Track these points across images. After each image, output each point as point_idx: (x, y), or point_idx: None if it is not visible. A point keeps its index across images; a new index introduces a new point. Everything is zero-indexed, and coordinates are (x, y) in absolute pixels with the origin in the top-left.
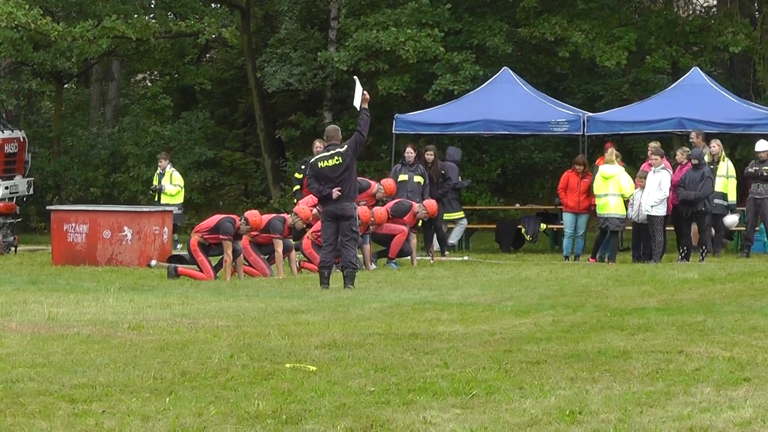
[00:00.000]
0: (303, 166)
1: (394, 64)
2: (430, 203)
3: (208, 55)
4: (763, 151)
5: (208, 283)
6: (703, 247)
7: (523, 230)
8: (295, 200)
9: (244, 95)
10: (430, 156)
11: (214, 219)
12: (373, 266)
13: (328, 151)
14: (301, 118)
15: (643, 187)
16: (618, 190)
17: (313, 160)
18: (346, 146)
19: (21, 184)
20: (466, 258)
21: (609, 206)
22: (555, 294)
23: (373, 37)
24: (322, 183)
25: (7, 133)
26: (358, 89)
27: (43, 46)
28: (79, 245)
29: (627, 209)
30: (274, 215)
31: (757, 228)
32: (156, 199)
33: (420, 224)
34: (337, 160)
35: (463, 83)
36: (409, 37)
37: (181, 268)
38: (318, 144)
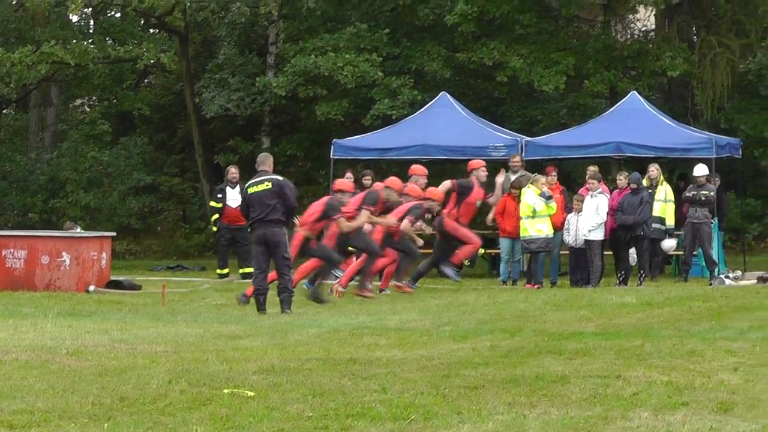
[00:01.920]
0: (219, 195)
1: (332, 89)
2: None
3: (146, 81)
4: (701, 176)
5: (146, 308)
6: (642, 272)
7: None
8: (215, 228)
9: (182, 120)
10: (367, 181)
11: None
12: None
13: (259, 177)
14: (239, 144)
15: (579, 211)
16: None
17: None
18: (282, 179)
19: None
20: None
21: (529, 229)
22: (493, 319)
23: (312, 62)
24: (252, 209)
25: None
26: None
27: None
28: (17, 270)
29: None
30: None
31: (695, 252)
32: None
33: None
34: (266, 185)
35: (402, 108)
36: (347, 62)
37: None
38: (233, 170)
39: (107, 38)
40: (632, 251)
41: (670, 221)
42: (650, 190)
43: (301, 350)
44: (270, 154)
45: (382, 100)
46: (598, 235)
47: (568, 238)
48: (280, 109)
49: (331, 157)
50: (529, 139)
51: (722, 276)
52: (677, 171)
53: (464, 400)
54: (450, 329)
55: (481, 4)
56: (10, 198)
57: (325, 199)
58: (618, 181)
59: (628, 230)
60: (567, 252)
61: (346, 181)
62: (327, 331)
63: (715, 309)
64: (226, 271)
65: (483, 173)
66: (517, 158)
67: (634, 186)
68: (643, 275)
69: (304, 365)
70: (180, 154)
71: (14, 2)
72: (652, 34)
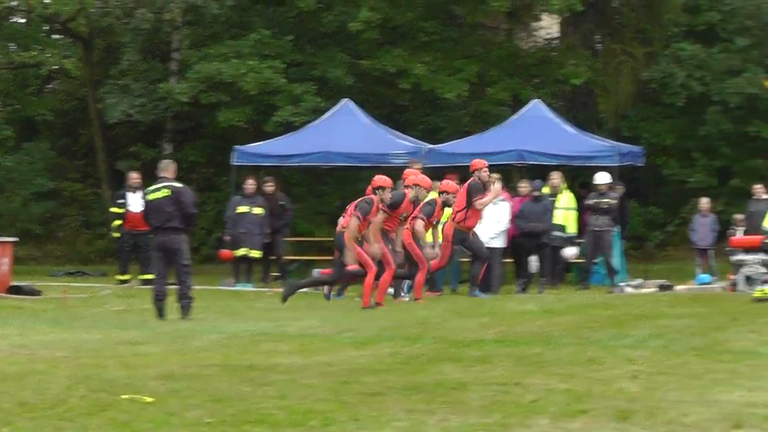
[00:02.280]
0: (120, 200)
1: (235, 96)
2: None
3: (50, 86)
4: (603, 184)
5: (46, 314)
6: (543, 279)
7: None
8: (116, 234)
9: (85, 126)
10: (269, 187)
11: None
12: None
13: (158, 183)
14: (141, 150)
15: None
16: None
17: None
18: (181, 185)
19: None
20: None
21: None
22: (394, 326)
23: (215, 68)
24: (150, 216)
25: None
26: None
27: None
28: None
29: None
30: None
31: (596, 260)
32: None
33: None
34: (165, 193)
35: (304, 115)
36: (250, 68)
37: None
38: (134, 176)
39: (10, 44)
40: (532, 258)
41: (572, 229)
42: (552, 198)
43: (201, 356)
44: (173, 161)
45: (285, 107)
46: (500, 243)
47: None
48: (183, 115)
49: (233, 163)
50: (431, 146)
51: (623, 284)
52: (579, 179)
53: (363, 407)
54: (351, 336)
55: (385, 11)
56: None
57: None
58: (520, 189)
59: (531, 238)
60: (467, 259)
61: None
62: (227, 338)
63: (616, 317)
64: (126, 276)
65: (485, 174)
66: (418, 165)
67: (536, 194)
68: (545, 283)
69: (203, 371)
70: (83, 159)
71: None
72: (556, 41)
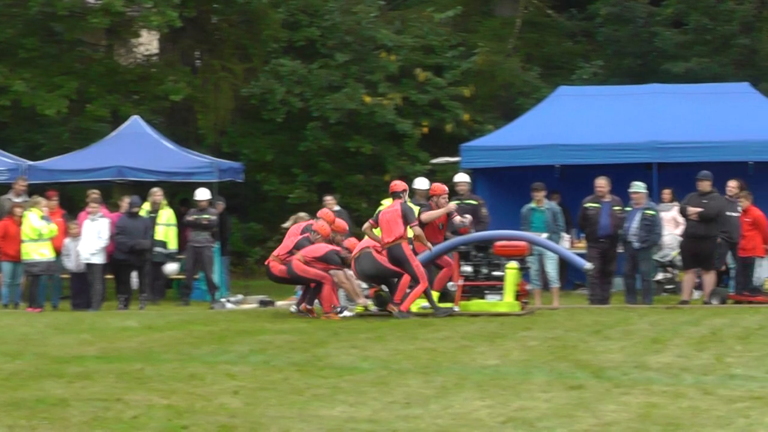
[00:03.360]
0: None
1: None
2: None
3: None
4: (203, 200)
5: None
6: (143, 295)
7: None
8: None
9: None
10: None
11: (320, 249)
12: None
13: None
14: None
15: (76, 236)
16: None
17: None
18: None
19: None
20: None
21: (32, 253)
22: None
23: None
24: None
25: None
26: None
27: None
28: None
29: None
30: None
31: (196, 276)
32: None
33: None
34: None
35: None
36: None
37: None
38: None
39: None
40: (133, 274)
41: (173, 245)
42: (153, 214)
43: None
44: None
45: None
46: (100, 259)
47: (69, 263)
48: None
49: None
50: (31, 163)
51: (224, 300)
52: (179, 195)
53: None
54: None
55: None
56: None
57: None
58: (120, 205)
59: (133, 254)
60: (68, 276)
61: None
62: None
63: (217, 333)
64: None
65: (443, 200)
66: (22, 183)
67: (134, 209)
68: (145, 298)
69: None
70: None
71: None
72: (156, 58)
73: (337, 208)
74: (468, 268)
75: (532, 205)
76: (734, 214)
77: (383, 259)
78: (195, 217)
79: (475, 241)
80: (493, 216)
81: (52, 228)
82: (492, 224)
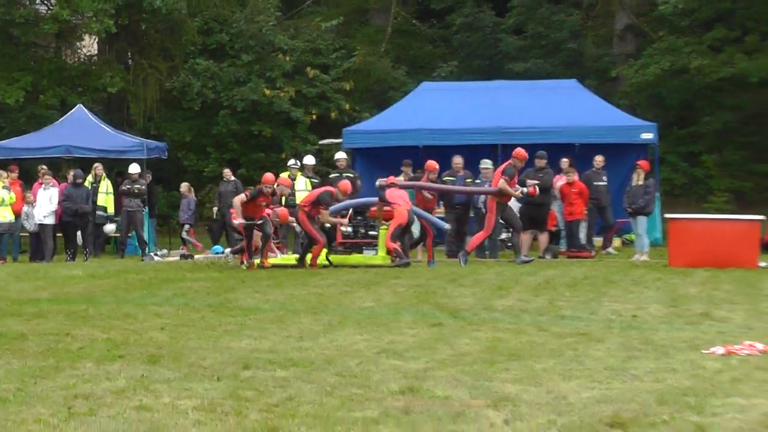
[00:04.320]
0: None
1: None
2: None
3: None
4: (134, 173)
5: None
6: (86, 249)
7: None
8: None
9: None
10: None
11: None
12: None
13: None
14: None
15: (31, 203)
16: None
17: None
18: None
19: None
20: None
21: None
22: None
23: None
24: None
25: None
26: None
27: None
28: None
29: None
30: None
31: (130, 234)
32: None
33: None
34: None
35: None
36: None
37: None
38: None
39: None
40: (79, 233)
41: (111, 209)
42: (96, 184)
43: None
44: None
45: None
46: (51, 221)
47: (27, 224)
48: None
49: None
50: None
51: (152, 254)
52: (116, 168)
53: None
54: None
55: None
56: None
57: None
58: (67, 177)
59: (78, 217)
60: (26, 234)
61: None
62: None
63: (146, 280)
64: None
65: (520, 163)
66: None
67: (78, 180)
68: (88, 252)
69: None
70: None
71: None
72: (96, 57)
73: (233, 178)
74: (349, 229)
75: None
76: (601, 183)
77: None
78: (128, 186)
79: (362, 205)
80: (369, 187)
81: (12, 196)
82: (365, 193)
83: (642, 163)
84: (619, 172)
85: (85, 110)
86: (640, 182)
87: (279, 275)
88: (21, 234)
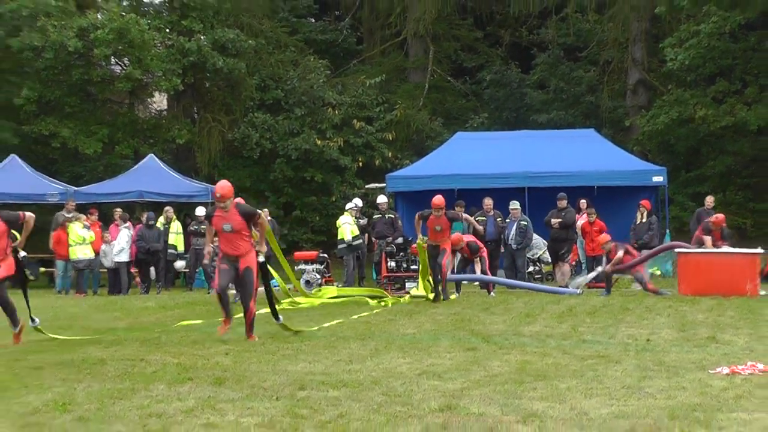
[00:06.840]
0: None
1: None
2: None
3: None
4: (201, 215)
5: None
6: (159, 284)
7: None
8: None
9: None
10: None
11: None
12: None
13: None
14: None
15: (109, 242)
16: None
17: None
18: None
19: None
20: None
21: (78, 253)
22: (51, 318)
23: None
24: None
25: None
26: None
27: None
28: None
29: None
30: None
31: (197, 270)
32: None
33: None
34: None
35: None
36: None
37: None
38: None
39: None
40: (152, 269)
41: (180, 248)
42: (166, 225)
43: None
44: None
45: None
46: (126, 258)
47: (105, 261)
48: None
49: None
50: (76, 188)
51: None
52: (184, 211)
53: (30, 378)
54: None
55: (39, 90)
56: None
57: None
58: (141, 219)
59: (149, 254)
60: (104, 270)
61: None
62: None
63: (212, 311)
64: None
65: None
66: (72, 203)
67: (150, 222)
68: (161, 286)
69: None
70: None
71: None
72: (165, 112)
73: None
74: (393, 264)
75: None
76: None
77: None
78: (195, 227)
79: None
80: (409, 227)
81: (92, 235)
82: (405, 232)
83: (644, 202)
84: (633, 212)
85: (156, 159)
86: (644, 220)
87: (329, 307)
88: (100, 270)
